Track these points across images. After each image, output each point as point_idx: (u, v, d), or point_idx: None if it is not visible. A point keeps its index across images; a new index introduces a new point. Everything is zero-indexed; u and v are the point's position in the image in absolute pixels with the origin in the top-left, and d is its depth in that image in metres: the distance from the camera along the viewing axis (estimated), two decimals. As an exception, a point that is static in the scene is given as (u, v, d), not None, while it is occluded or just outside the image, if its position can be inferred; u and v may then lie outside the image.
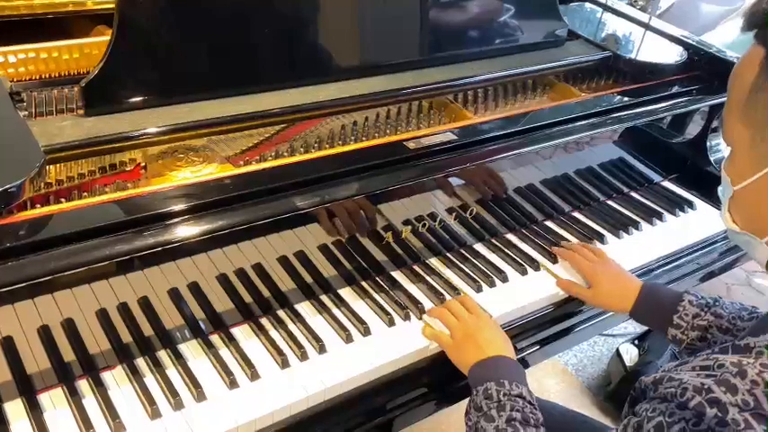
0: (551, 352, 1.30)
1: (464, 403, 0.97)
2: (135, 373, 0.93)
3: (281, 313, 1.06)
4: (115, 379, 0.92)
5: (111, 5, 1.00)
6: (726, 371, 0.63)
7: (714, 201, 1.51)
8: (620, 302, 1.16)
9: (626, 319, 1.53)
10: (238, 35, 1.08)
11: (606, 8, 1.69)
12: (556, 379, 2.10)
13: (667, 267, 1.36)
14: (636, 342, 2.06)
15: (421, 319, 1.09)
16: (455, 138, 1.13)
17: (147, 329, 0.96)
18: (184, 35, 1.04)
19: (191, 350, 0.98)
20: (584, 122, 1.28)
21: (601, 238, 1.34)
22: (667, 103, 1.39)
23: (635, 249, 1.34)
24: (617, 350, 2.04)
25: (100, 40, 1.15)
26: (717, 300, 1.09)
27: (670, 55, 1.50)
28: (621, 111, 1.34)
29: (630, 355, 2.01)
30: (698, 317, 1.07)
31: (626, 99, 1.37)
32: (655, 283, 1.22)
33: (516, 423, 0.87)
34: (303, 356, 0.99)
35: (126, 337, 0.95)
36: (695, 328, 1.07)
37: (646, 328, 2.11)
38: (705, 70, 1.47)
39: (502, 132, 1.18)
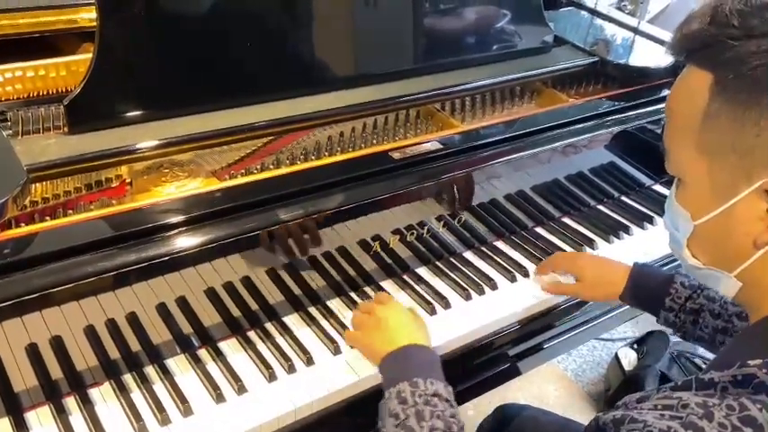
0: (546, 357, 1.30)
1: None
2: (122, 390, 0.93)
3: (268, 326, 1.06)
4: (102, 395, 0.93)
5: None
6: (691, 412, 0.60)
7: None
8: (609, 288, 1.13)
9: (624, 322, 1.53)
10: (221, 49, 1.09)
11: (595, 13, 1.69)
12: (555, 384, 2.09)
13: (666, 269, 1.35)
14: (634, 346, 2.05)
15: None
16: (442, 147, 1.14)
17: (135, 345, 0.96)
18: (167, 50, 1.05)
19: (178, 365, 0.98)
20: (572, 128, 1.28)
21: (591, 243, 1.34)
22: (655, 107, 1.39)
23: (626, 254, 1.32)
24: (616, 355, 2.04)
25: (86, 57, 1.15)
26: None
27: (659, 58, 1.50)
28: (610, 116, 1.34)
29: (629, 359, 2.00)
30: (690, 299, 1.05)
31: (614, 104, 1.37)
32: (644, 264, 1.18)
33: None
34: (290, 369, 0.98)
35: (113, 353, 0.95)
36: (688, 312, 1.05)
37: (645, 332, 2.11)
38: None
39: (489, 140, 1.19)
